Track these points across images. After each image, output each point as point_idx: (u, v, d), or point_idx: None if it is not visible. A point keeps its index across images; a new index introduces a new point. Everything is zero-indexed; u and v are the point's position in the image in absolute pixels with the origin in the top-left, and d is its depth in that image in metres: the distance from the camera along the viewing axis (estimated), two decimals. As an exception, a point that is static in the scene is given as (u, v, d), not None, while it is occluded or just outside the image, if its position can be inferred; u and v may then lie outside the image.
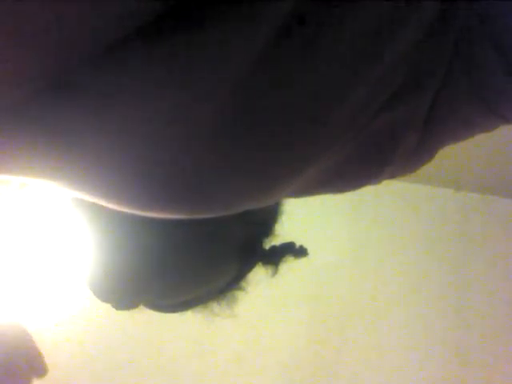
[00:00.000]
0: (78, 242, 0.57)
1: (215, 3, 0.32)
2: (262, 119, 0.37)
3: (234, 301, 0.64)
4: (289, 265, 0.65)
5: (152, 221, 0.42)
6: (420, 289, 2.16)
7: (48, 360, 0.52)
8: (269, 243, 0.65)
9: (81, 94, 0.31)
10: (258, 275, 0.65)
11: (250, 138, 0.37)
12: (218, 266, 0.62)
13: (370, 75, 0.40)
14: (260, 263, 0.64)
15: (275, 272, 0.64)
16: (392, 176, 0.51)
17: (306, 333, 2.06)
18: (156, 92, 0.32)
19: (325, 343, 2.06)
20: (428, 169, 0.55)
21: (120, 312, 0.63)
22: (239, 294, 0.65)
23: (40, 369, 0.50)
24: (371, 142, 0.45)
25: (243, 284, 0.64)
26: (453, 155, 1.90)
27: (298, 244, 0.67)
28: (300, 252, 0.66)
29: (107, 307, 0.62)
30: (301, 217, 1.57)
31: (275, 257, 0.64)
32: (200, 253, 0.59)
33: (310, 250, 0.66)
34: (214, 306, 0.64)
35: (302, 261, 0.67)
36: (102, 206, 0.39)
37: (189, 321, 0.68)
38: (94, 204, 0.39)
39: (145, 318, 0.68)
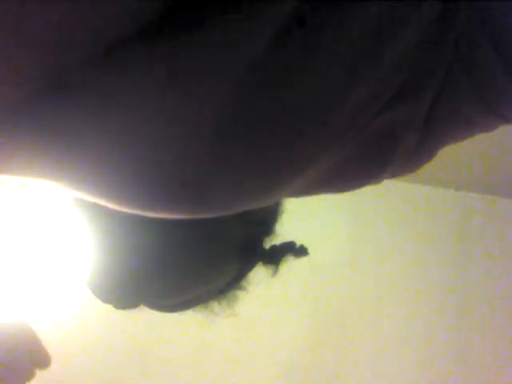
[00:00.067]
0: (77, 242, 0.57)
1: (215, 3, 0.32)
2: (262, 119, 0.37)
3: (234, 300, 0.64)
4: (289, 264, 0.65)
5: (152, 221, 0.42)
6: (420, 288, 2.17)
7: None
8: (269, 243, 0.65)
9: (81, 94, 0.31)
10: (259, 275, 0.65)
11: (250, 138, 0.37)
12: (218, 265, 0.62)
13: (370, 75, 0.40)
14: (260, 263, 0.64)
15: (276, 271, 0.64)
16: (392, 176, 0.51)
17: (305, 333, 2.06)
18: (156, 92, 0.32)
19: (325, 343, 2.06)
20: (428, 169, 0.55)
21: (120, 311, 0.63)
22: (240, 294, 0.65)
23: (43, 361, 0.52)
24: (371, 142, 0.45)
25: (244, 283, 0.64)
26: (453, 155, 1.90)
27: (298, 243, 0.66)
28: (300, 251, 0.66)
29: (107, 307, 0.62)
30: (300, 217, 1.57)
31: (275, 256, 0.64)
32: (200, 253, 0.59)
33: (309, 250, 0.66)
34: (215, 306, 0.64)
35: (302, 260, 0.67)
36: (102, 206, 0.39)
37: (189, 320, 0.68)
38: (94, 204, 0.39)
39: (144, 317, 0.68)
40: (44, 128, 0.32)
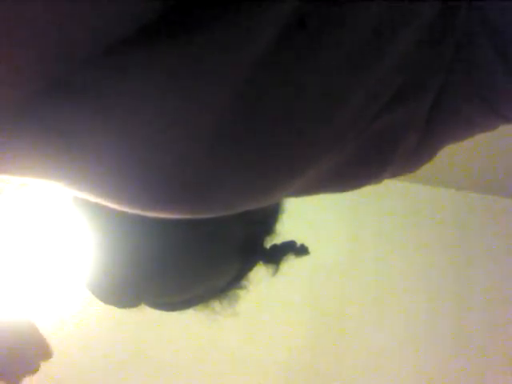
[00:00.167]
0: (77, 242, 0.57)
1: (216, 4, 0.31)
2: (262, 120, 0.37)
3: (235, 300, 0.64)
4: (289, 264, 0.65)
5: (152, 220, 0.42)
6: (420, 288, 2.17)
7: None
8: (270, 242, 0.65)
9: (81, 95, 0.31)
10: (259, 274, 0.65)
11: (250, 139, 0.37)
12: (219, 265, 0.62)
13: (370, 76, 0.40)
14: (261, 262, 0.64)
15: (276, 271, 0.64)
16: (392, 176, 0.51)
17: (305, 332, 2.06)
18: (156, 94, 0.32)
19: (325, 342, 2.06)
20: (428, 169, 0.55)
21: (120, 311, 0.63)
22: (240, 293, 0.65)
23: (46, 354, 0.57)
24: (371, 143, 0.45)
25: (244, 283, 0.64)
26: (453, 155, 1.90)
27: (298, 243, 0.66)
28: (301, 250, 0.66)
29: (106, 306, 0.62)
30: (300, 217, 1.57)
31: (276, 256, 0.64)
32: (200, 252, 0.58)
33: (310, 250, 0.66)
34: (216, 305, 0.64)
35: (302, 260, 0.66)
36: (102, 206, 0.39)
37: (189, 319, 0.68)
38: (94, 204, 0.39)
39: (144, 317, 0.68)
40: (44, 128, 0.32)
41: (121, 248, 0.55)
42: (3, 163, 0.33)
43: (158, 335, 1.94)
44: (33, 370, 0.56)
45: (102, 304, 0.61)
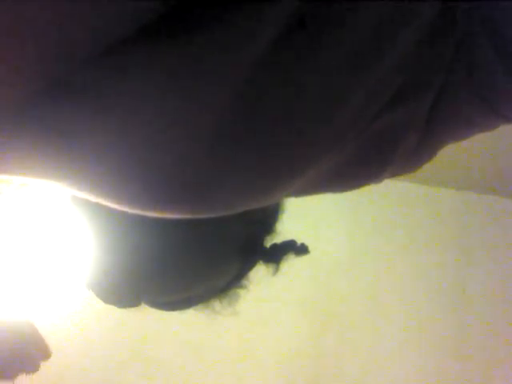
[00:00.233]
0: (78, 242, 0.57)
1: (216, 4, 0.31)
2: (262, 120, 0.37)
3: (235, 299, 0.64)
4: (289, 263, 0.65)
5: (152, 220, 0.42)
6: (420, 288, 2.17)
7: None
8: (270, 241, 0.65)
9: (81, 95, 0.31)
10: (259, 274, 0.65)
11: (250, 139, 0.37)
12: (219, 265, 0.62)
13: (370, 76, 0.40)
14: (261, 261, 0.64)
15: (276, 270, 0.64)
16: (392, 175, 0.51)
17: (305, 331, 2.06)
18: (156, 94, 0.32)
19: (324, 342, 2.06)
20: (428, 169, 0.55)
21: (120, 311, 0.63)
22: (240, 293, 0.65)
23: (45, 354, 0.59)
24: (371, 143, 0.45)
25: (244, 282, 0.64)
26: (453, 155, 1.90)
27: (298, 242, 0.66)
28: (301, 250, 0.66)
29: (107, 306, 0.62)
30: (300, 217, 1.57)
31: (276, 255, 0.64)
32: (200, 252, 0.59)
33: (309, 249, 0.66)
34: (216, 305, 0.64)
35: (302, 260, 0.66)
36: (102, 206, 0.39)
37: (189, 319, 0.68)
38: (94, 203, 0.39)
39: (144, 317, 0.68)
40: (44, 128, 0.32)
41: (121, 248, 0.55)
42: (3, 163, 0.33)
43: (158, 335, 1.94)
44: (32, 369, 0.57)
45: (102, 304, 0.61)
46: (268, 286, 0.68)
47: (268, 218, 0.64)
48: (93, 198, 0.38)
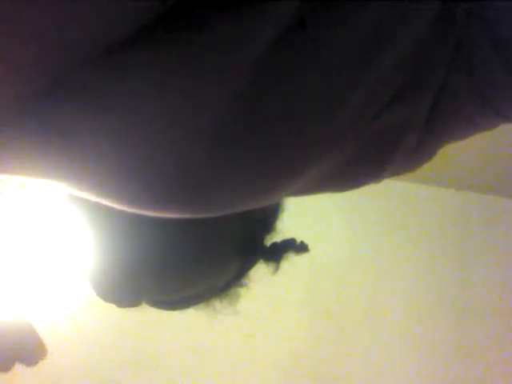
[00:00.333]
0: (78, 242, 0.57)
1: (216, 4, 0.31)
2: (262, 120, 0.37)
3: (235, 298, 0.64)
4: (289, 263, 0.65)
5: (152, 220, 0.42)
6: (419, 288, 2.17)
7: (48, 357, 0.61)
8: (270, 240, 0.65)
9: (81, 95, 0.31)
10: (259, 273, 0.65)
11: (250, 140, 0.37)
12: (219, 264, 0.62)
13: (371, 76, 0.40)
14: (261, 260, 0.64)
15: (276, 269, 0.64)
16: (392, 175, 0.51)
17: (305, 330, 2.06)
18: (156, 94, 0.32)
19: (324, 341, 2.06)
20: (428, 169, 0.55)
21: (120, 311, 0.63)
22: (240, 292, 0.65)
23: (42, 353, 0.60)
24: (371, 143, 0.45)
25: (245, 281, 0.64)
26: (453, 155, 1.90)
27: (298, 240, 0.66)
28: (301, 248, 0.66)
29: (107, 307, 0.62)
30: (300, 217, 1.57)
31: (276, 253, 0.64)
32: (200, 251, 0.59)
33: (309, 249, 0.66)
34: (216, 304, 0.64)
35: (302, 260, 0.67)
36: (102, 205, 0.39)
37: (189, 318, 0.68)
38: (94, 203, 0.39)
39: (144, 316, 0.69)
40: (44, 128, 0.32)
41: (121, 247, 0.56)
42: (3, 163, 0.33)
43: (158, 335, 1.94)
44: (29, 363, 0.58)
45: (102, 304, 0.61)
46: (268, 285, 0.68)
47: (268, 217, 0.64)
48: (93, 198, 0.38)
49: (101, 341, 1.92)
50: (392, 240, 2.20)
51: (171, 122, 0.34)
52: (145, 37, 0.30)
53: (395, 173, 0.51)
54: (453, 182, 2.26)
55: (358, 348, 2.07)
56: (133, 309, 0.63)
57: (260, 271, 0.65)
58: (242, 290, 0.65)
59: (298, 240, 0.66)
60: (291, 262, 0.65)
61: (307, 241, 0.66)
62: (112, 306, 0.62)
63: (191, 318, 0.67)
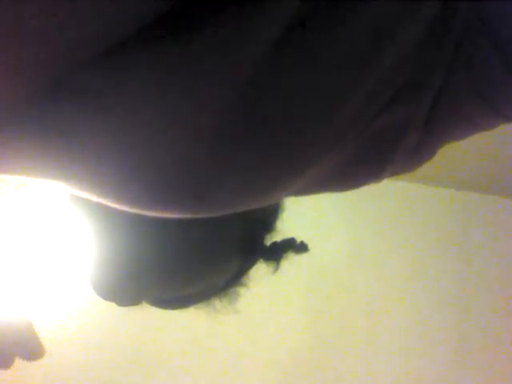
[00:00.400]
0: (78, 241, 0.57)
1: (216, 4, 0.31)
2: (262, 120, 0.37)
3: (235, 298, 0.65)
4: (289, 262, 0.65)
5: (152, 219, 0.42)
6: (420, 288, 2.17)
7: (48, 357, 0.59)
8: (270, 239, 0.65)
9: (81, 95, 0.31)
10: (259, 273, 0.65)
11: (250, 140, 0.37)
12: (219, 263, 0.62)
13: (370, 76, 0.40)
14: (261, 260, 0.64)
15: (277, 268, 0.64)
16: (392, 175, 0.51)
17: (305, 330, 2.06)
18: (156, 94, 0.32)
19: (324, 341, 2.06)
20: (428, 169, 0.55)
21: (120, 309, 0.63)
22: (240, 291, 0.65)
23: (39, 353, 0.59)
24: (371, 143, 0.45)
25: (245, 280, 0.65)
26: (453, 155, 1.90)
27: (298, 240, 0.67)
28: (301, 248, 0.66)
29: (106, 305, 0.62)
30: (300, 217, 1.57)
31: (276, 253, 0.64)
32: (200, 251, 0.59)
33: (309, 248, 0.67)
34: (216, 303, 0.64)
35: (302, 260, 0.67)
36: (102, 205, 0.39)
37: (189, 318, 0.68)
38: (94, 202, 0.39)
39: (144, 315, 0.69)
40: (44, 128, 0.32)
41: (121, 246, 0.56)
42: (3, 163, 0.33)
43: (158, 334, 1.94)
44: (27, 358, 0.58)
45: (102, 303, 0.61)
46: (268, 284, 0.68)
47: (268, 217, 0.64)
48: (93, 198, 0.38)
49: (101, 341, 1.92)
50: (392, 240, 2.20)
51: (171, 122, 0.34)
52: (145, 37, 0.30)
53: (395, 173, 0.51)
54: (453, 182, 2.26)
55: (358, 348, 2.07)
56: (133, 308, 0.63)
57: (260, 271, 0.65)
58: (242, 290, 0.65)
59: (298, 240, 0.66)
60: (291, 262, 0.66)
61: (307, 241, 0.66)
62: (112, 306, 0.62)
63: (191, 317, 0.67)
